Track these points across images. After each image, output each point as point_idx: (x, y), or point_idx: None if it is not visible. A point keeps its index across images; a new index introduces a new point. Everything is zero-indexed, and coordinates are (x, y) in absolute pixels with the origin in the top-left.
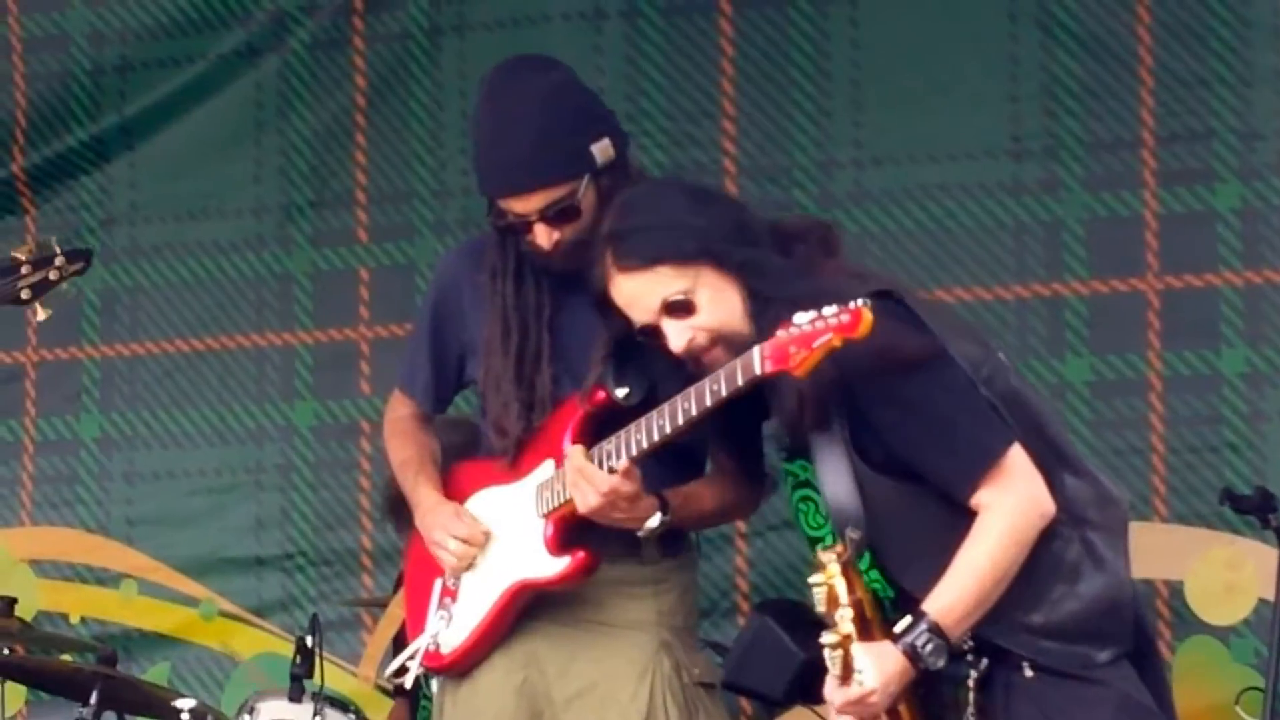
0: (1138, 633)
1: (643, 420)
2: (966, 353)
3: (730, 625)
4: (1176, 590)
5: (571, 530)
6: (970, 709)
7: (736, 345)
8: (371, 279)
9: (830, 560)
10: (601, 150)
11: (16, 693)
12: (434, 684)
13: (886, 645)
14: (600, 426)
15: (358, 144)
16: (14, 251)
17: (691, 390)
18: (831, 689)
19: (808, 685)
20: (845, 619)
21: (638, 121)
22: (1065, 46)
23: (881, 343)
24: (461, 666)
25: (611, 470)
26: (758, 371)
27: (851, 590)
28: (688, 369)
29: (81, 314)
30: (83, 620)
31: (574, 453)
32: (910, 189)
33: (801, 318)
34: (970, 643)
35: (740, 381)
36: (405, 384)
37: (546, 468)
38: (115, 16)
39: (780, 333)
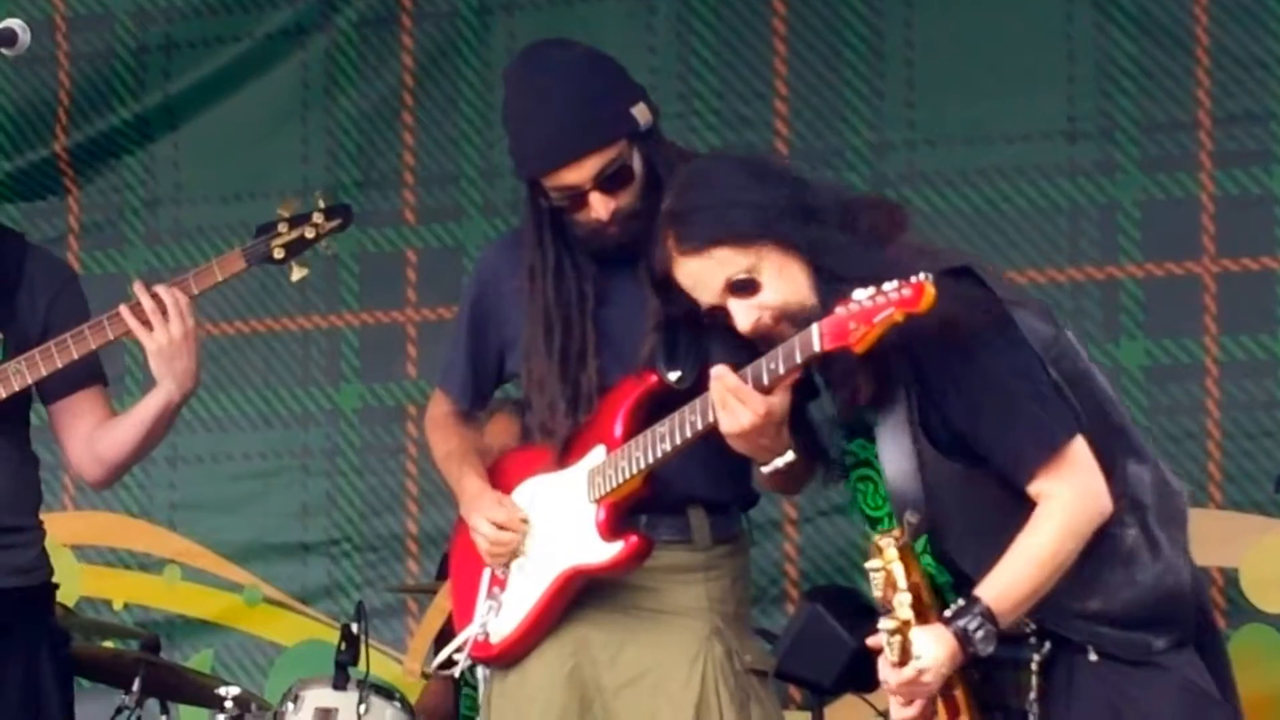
0: (1200, 619)
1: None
2: (1037, 330)
3: (779, 612)
4: (1231, 578)
5: (624, 515)
6: (1033, 692)
7: (803, 322)
8: (419, 261)
9: (888, 545)
10: (640, 113)
11: None
12: (480, 673)
13: (939, 628)
14: (651, 411)
15: (405, 124)
16: (280, 207)
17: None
18: (886, 670)
19: (859, 673)
20: (904, 604)
21: (689, 102)
22: (1121, 27)
23: (947, 316)
24: (510, 656)
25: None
26: (816, 349)
27: (910, 574)
28: (743, 346)
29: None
30: (125, 606)
31: (724, 372)
32: (964, 170)
33: (861, 293)
34: (1032, 626)
35: (799, 359)
36: (444, 382)
37: (598, 453)
38: None
39: (839, 309)
